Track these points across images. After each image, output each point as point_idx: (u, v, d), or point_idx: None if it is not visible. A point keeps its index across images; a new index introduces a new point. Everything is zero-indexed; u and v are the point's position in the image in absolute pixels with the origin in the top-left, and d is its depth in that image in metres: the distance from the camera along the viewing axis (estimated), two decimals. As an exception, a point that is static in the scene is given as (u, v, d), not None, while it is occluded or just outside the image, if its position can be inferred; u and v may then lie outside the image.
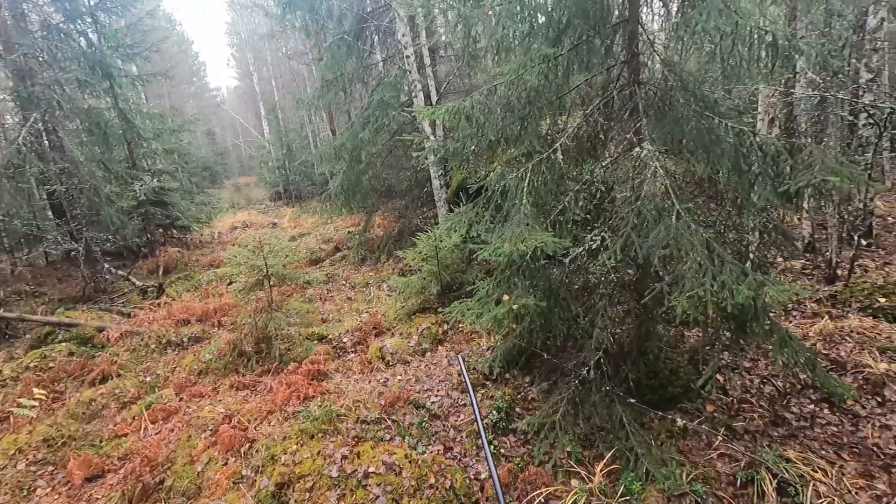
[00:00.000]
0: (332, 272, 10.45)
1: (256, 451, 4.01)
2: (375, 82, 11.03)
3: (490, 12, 3.86)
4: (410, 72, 8.91)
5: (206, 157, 29.97)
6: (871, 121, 6.81)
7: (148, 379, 6.09)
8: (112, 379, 6.04)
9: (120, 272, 10.73)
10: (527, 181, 3.73)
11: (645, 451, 3.60)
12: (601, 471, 3.54)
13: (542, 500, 3.47)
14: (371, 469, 3.62)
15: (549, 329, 4.41)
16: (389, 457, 3.75)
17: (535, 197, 3.77)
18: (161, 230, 13.36)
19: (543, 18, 3.96)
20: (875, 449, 3.62)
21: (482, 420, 4.10)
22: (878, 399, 4.14)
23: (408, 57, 8.82)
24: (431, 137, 8.97)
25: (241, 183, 30.22)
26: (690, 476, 3.46)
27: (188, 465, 4.07)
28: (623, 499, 3.34)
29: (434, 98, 9.85)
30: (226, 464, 3.97)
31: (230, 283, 9.76)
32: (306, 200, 21.33)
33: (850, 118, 7.49)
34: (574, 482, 3.54)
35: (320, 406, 4.53)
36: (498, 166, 4.97)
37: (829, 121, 7.81)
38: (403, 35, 8.76)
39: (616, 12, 3.88)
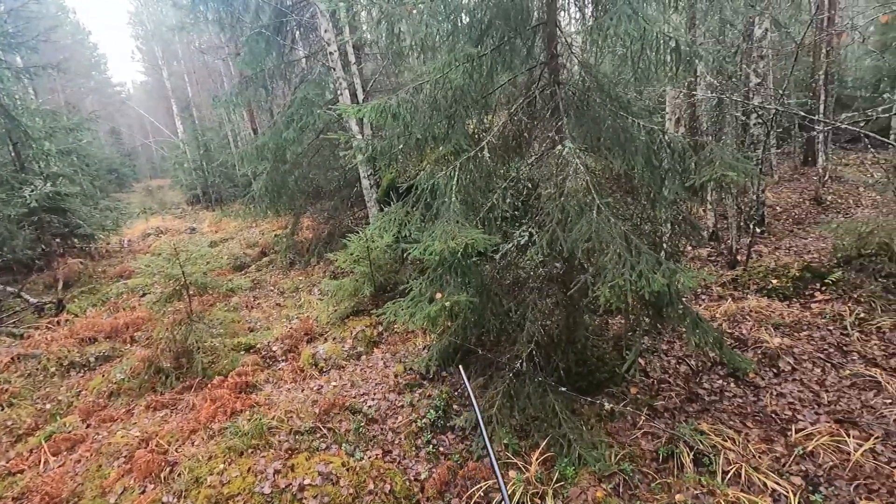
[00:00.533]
0: (258, 278, 9.95)
1: (179, 474, 3.72)
2: (299, 79, 10.63)
3: (414, 11, 3.84)
4: (335, 69, 8.67)
5: (112, 158, 27.42)
6: (760, 120, 7.58)
7: (48, 406, 5.45)
8: (3, 409, 5.35)
9: (9, 289, 9.53)
10: (455, 179, 3.75)
11: (577, 436, 3.75)
12: (537, 459, 3.66)
13: (482, 495, 3.51)
14: (306, 481, 3.48)
15: (482, 325, 4.48)
16: (326, 466, 3.63)
17: (464, 195, 3.80)
18: (59, 240, 12.02)
19: (467, 18, 4.01)
20: (773, 416, 4.03)
21: (492, 447, 3.63)
22: (775, 370, 4.62)
23: (331, 54, 8.57)
24: (359, 136, 8.80)
25: (154, 186, 27.94)
26: (618, 456, 3.66)
27: (99, 497, 3.69)
28: (558, 484, 3.46)
29: (360, 96, 9.67)
30: (143, 492, 3.64)
31: (143, 294, 9.00)
32: (228, 203, 20.14)
33: (743, 118, 8.29)
34: (512, 473, 3.62)
35: (249, 420, 4.29)
36: (427, 165, 4.97)
37: (725, 120, 8.60)
38: (326, 31, 8.51)
39: (535, 14, 4.00)
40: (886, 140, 3.32)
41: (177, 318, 6.03)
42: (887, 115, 5.54)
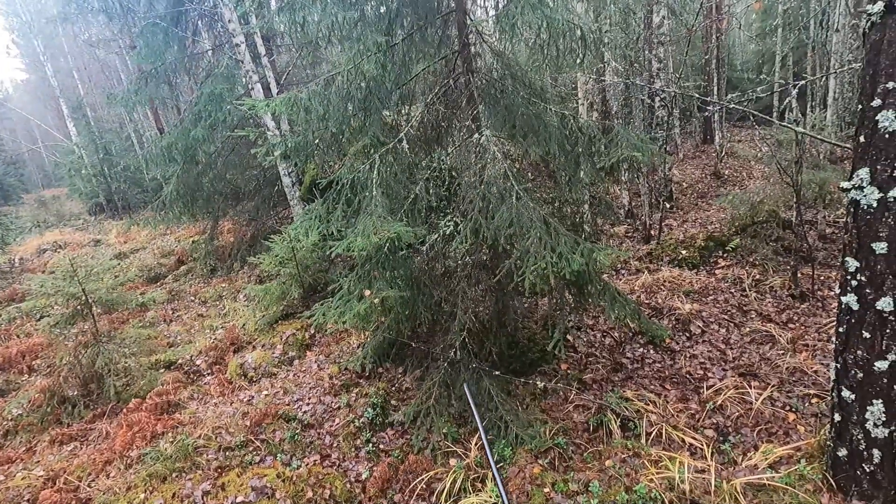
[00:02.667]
0: (176, 289, 9.27)
1: (93, 511, 3.40)
2: (205, 73, 9.91)
3: (321, -2, 3.67)
4: (243, 62, 8.17)
5: (-8, 167, 24.30)
6: (663, 103, 8.12)
7: (-73, 455, 4.76)
8: None
9: None
10: (376, 172, 3.68)
11: (513, 417, 3.85)
12: (476, 444, 3.71)
13: (425, 486, 3.52)
14: (239, 499, 3.31)
15: (415, 317, 4.46)
16: (260, 480, 3.47)
17: (385, 188, 3.74)
18: (-70, 264, 10.52)
19: (376, 6, 3.90)
20: (688, 376, 4.37)
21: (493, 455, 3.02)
22: (687, 334, 5.00)
23: (238, 45, 8.06)
24: (276, 132, 8.39)
25: (48, 196, 25.10)
26: (553, 431, 3.80)
27: (-3, 550, 3.29)
28: (497, 466, 3.54)
29: (275, 90, 9.23)
30: (52, 536, 3.29)
31: (41, 318, 8.09)
32: (137, 211, 18.54)
33: (649, 101, 8.84)
34: (453, 461, 3.66)
35: (173, 442, 3.99)
36: (348, 159, 4.83)
37: (633, 103, 9.12)
38: (230, 21, 7.98)
39: (445, 2, 3.98)
40: (770, 118, 3.71)
41: (81, 340, 5.47)
42: (768, 94, 6.13)
